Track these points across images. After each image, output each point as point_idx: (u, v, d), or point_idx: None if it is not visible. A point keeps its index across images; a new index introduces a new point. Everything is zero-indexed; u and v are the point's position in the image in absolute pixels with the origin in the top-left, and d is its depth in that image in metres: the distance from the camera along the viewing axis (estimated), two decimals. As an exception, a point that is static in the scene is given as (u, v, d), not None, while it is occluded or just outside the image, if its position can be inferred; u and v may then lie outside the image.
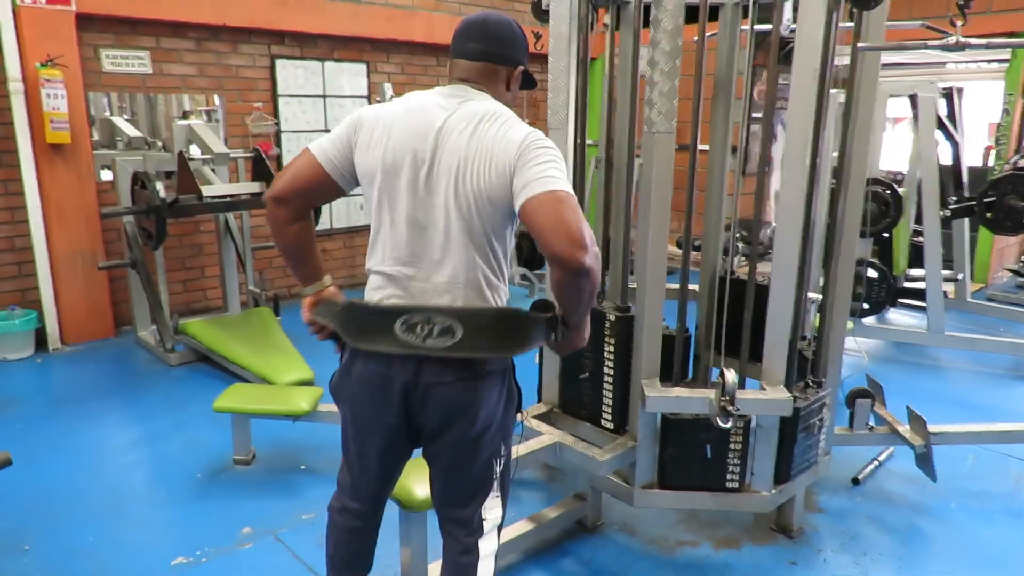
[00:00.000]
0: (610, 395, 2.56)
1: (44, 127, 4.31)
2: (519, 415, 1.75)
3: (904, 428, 2.96)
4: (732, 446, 2.44)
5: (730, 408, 2.19)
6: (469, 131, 1.51)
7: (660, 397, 2.32)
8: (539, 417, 2.71)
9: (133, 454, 3.29)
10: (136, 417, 3.69)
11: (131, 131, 5.00)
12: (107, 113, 4.95)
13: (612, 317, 2.51)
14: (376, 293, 1.62)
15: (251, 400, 3.10)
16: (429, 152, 1.52)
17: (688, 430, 2.42)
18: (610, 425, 2.59)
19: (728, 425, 2.20)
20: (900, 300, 5.03)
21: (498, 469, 1.71)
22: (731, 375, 2.19)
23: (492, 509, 1.72)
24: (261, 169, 4.50)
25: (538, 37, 2.73)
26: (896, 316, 5.43)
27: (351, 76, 5.99)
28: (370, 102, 6.13)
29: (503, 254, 1.62)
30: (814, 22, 2.11)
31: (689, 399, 2.32)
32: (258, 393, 3.24)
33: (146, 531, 2.67)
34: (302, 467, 3.15)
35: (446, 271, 1.55)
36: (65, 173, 4.51)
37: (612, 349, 2.53)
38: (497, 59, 1.61)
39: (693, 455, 2.45)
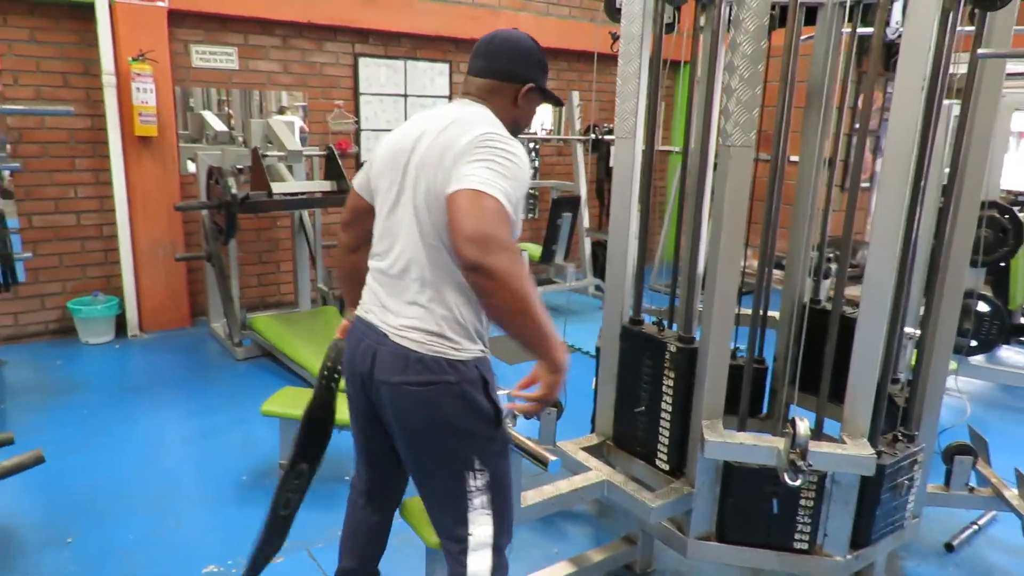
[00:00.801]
0: (667, 434, 2.33)
1: (133, 120, 4.44)
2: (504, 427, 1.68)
3: (1011, 493, 2.58)
4: (803, 502, 2.16)
5: (800, 463, 1.92)
6: (437, 133, 1.54)
7: (721, 443, 2.07)
8: (589, 450, 2.50)
9: (186, 449, 3.30)
10: (195, 410, 3.72)
11: (218, 125, 5.11)
12: (199, 107, 5.08)
13: (673, 348, 2.28)
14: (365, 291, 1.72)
15: (298, 405, 3.02)
16: (406, 154, 1.59)
17: (752, 479, 2.16)
18: (666, 466, 2.35)
19: (797, 483, 1.94)
20: (1015, 338, 4.49)
21: (475, 483, 1.62)
22: (803, 425, 1.92)
23: (478, 525, 1.64)
24: (333, 167, 4.48)
25: (615, 38, 2.54)
26: (1009, 355, 4.87)
27: (433, 75, 5.93)
28: (450, 101, 6.04)
29: None
30: (923, 24, 1.81)
31: (754, 448, 2.06)
32: (306, 398, 3.17)
33: (184, 533, 2.65)
34: (346, 477, 3.06)
35: (400, 266, 1.58)
36: (151, 165, 4.63)
37: (671, 384, 2.29)
38: (501, 75, 1.63)
39: (757, 508, 2.18)
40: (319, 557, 2.51)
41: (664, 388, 2.32)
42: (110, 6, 4.33)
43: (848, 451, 2.04)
